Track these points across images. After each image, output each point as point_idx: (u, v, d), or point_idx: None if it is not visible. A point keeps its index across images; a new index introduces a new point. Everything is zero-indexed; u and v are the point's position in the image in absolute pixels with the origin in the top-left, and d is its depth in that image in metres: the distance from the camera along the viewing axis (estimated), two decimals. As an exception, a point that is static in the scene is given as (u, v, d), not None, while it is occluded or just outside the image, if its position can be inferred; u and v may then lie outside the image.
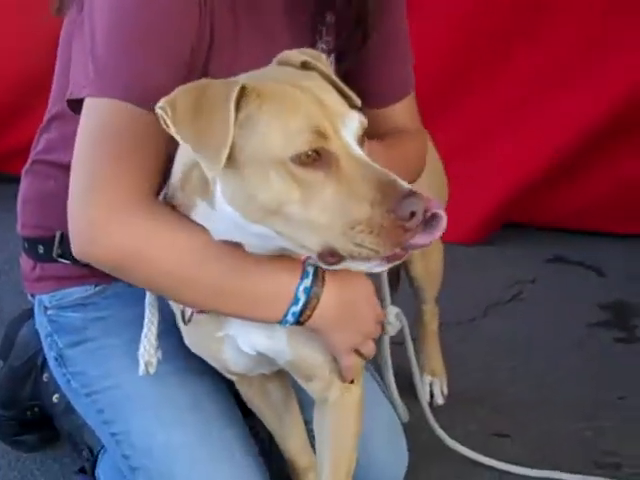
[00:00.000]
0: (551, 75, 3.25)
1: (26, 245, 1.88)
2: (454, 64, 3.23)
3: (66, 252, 1.74)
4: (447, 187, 2.27)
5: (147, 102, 1.40)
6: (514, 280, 3.14)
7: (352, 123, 1.34)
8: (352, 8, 1.73)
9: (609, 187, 3.36)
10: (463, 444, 2.17)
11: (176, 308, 1.61)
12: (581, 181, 3.38)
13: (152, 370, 1.61)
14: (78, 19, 1.58)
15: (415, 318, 2.41)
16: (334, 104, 1.36)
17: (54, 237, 1.79)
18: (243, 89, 1.31)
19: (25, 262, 1.90)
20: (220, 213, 1.38)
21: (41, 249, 1.83)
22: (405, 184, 1.28)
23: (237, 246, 1.44)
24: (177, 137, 1.30)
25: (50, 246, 1.80)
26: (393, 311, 1.73)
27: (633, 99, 3.17)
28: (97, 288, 1.84)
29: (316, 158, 1.29)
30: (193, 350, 1.66)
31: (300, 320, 1.50)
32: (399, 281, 2.35)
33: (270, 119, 1.31)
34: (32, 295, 1.92)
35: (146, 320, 1.61)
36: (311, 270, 1.49)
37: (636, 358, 2.66)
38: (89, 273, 1.77)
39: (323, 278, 1.50)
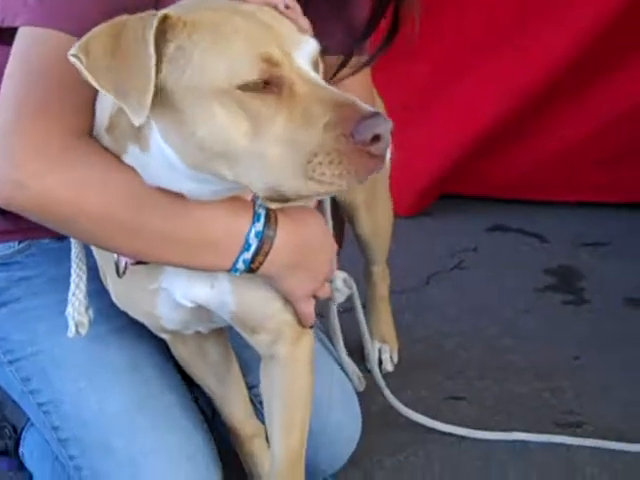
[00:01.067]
0: (482, 41, 3.16)
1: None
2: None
3: None
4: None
5: None
6: (455, 249, 3.05)
7: (306, 47, 1.20)
8: None
9: (544, 156, 3.31)
10: (416, 409, 2.04)
11: (105, 261, 1.45)
12: (515, 151, 3.33)
13: (83, 331, 1.47)
14: None
15: (365, 281, 2.28)
16: (284, 27, 1.22)
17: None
18: (166, 20, 1.16)
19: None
20: (155, 157, 1.23)
21: None
22: (367, 106, 1.14)
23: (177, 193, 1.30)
24: (95, 85, 1.15)
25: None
26: (340, 276, 1.59)
27: (567, 63, 3.10)
28: (21, 245, 1.68)
29: (267, 82, 1.15)
30: (121, 307, 1.51)
31: (252, 267, 1.35)
32: (343, 239, 2.21)
33: (206, 48, 1.16)
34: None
35: (73, 276, 1.47)
36: (262, 212, 1.35)
37: (586, 319, 2.59)
38: (12, 228, 1.63)
39: (276, 220, 1.36)
